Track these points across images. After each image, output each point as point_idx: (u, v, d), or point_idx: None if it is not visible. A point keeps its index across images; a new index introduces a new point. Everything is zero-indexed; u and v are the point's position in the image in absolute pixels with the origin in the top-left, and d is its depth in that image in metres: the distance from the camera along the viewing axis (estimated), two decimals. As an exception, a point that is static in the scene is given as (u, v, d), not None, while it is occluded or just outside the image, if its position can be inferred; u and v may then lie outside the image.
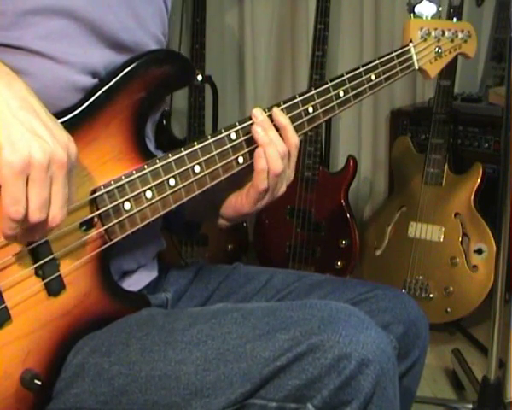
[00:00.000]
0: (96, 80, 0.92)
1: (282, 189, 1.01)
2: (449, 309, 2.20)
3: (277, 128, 0.99)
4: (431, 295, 2.22)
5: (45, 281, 0.84)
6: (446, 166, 2.24)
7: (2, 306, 0.81)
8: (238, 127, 0.98)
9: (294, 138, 1.00)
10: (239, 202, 1.02)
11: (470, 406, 1.77)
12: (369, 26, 2.74)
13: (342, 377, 0.80)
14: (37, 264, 0.83)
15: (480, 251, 2.17)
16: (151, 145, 1.04)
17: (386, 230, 2.34)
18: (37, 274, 0.84)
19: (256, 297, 1.11)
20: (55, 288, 0.85)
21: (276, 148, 0.97)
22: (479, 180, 2.19)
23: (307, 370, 0.81)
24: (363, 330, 0.83)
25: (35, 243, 0.82)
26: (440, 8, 1.24)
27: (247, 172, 1.00)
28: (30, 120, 0.75)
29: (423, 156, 2.26)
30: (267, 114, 0.99)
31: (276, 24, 2.84)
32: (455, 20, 1.27)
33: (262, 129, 0.97)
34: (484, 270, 2.15)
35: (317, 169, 2.37)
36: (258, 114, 0.98)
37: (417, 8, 1.21)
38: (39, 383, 0.83)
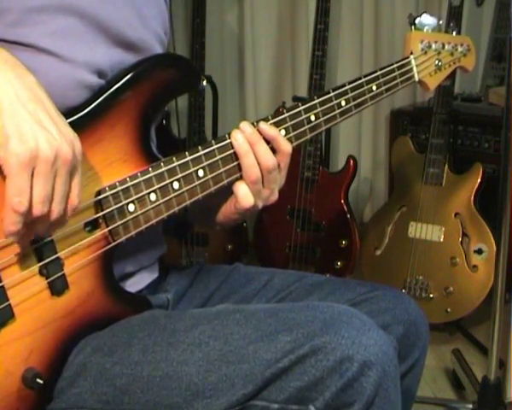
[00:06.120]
0: (101, 79, 0.93)
1: (273, 196, 1.00)
2: (449, 309, 2.20)
3: (268, 141, 0.98)
4: (431, 296, 2.22)
5: (49, 280, 0.85)
6: (446, 166, 2.24)
7: (7, 303, 0.81)
8: None
9: (286, 147, 0.99)
10: (228, 209, 1.03)
11: (470, 406, 1.78)
12: (369, 26, 2.75)
13: (344, 380, 0.81)
14: (42, 263, 0.84)
15: (479, 251, 2.17)
16: (153, 146, 1.05)
17: (386, 230, 2.33)
18: (41, 273, 0.84)
19: (256, 298, 1.11)
20: (58, 287, 0.86)
21: (253, 157, 0.97)
22: (479, 180, 2.19)
23: (309, 372, 0.81)
24: (366, 333, 0.83)
25: (40, 242, 0.83)
26: (441, 22, 1.26)
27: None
28: (38, 113, 0.75)
29: (423, 156, 2.26)
30: (256, 127, 0.99)
31: (276, 24, 2.84)
32: (454, 33, 1.29)
33: (243, 138, 0.97)
34: (484, 270, 2.15)
35: (317, 169, 2.37)
36: (247, 128, 0.98)
37: (418, 21, 1.23)
38: (41, 381, 0.83)
